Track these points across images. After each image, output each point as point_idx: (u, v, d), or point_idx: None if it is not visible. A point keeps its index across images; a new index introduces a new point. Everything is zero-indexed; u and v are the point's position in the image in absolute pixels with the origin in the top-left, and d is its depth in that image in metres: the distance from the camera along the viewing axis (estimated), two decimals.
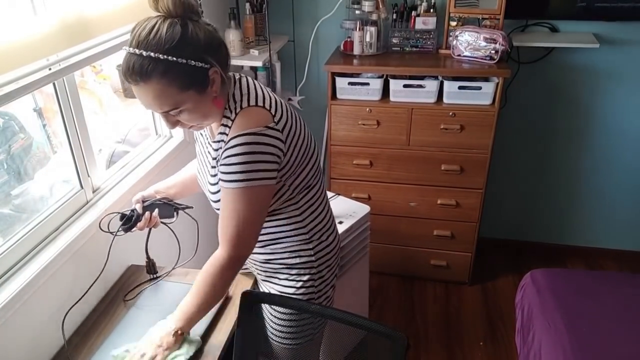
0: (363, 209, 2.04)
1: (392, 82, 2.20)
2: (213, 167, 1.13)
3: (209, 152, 1.17)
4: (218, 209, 1.14)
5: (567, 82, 2.42)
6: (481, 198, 2.33)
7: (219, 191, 1.11)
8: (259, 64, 2.18)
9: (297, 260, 1.24)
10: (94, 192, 1.49)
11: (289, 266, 1.25)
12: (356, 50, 2.30)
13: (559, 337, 1.67)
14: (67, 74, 1.30)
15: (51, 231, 1.32)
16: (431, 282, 2.61)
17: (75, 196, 1.41)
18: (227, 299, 1.41)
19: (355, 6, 2.27)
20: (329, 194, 2.11)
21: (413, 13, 2.27)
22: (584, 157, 2.58)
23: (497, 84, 2.11)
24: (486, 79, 2.16)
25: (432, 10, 2.26)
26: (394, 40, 2.33)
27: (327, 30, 2.47)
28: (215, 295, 1.15)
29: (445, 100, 2.19)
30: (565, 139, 2.56)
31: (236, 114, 1.06)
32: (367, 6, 2.21)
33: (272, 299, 1.25)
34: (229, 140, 1.03)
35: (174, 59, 0.95)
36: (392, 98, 2.23)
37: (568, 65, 2.38)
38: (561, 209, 2.74)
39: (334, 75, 2.23)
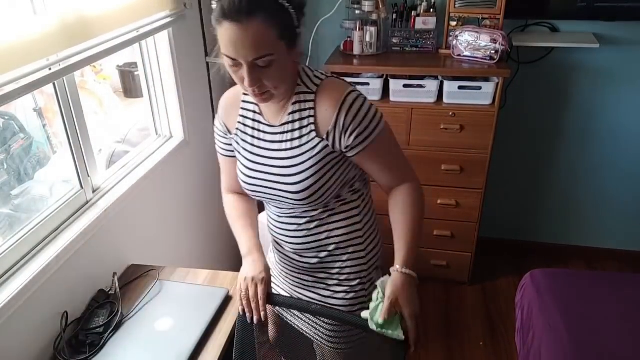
0: None
1: (392, 82, 2.20)
2: (288, 149, 1.09)
3: (270, 142, 1.12)
4: (296, 193, 1.09)
5: (567, 82, 2.42)
6: (481, 198, 2.33)
7: (301, 173, 1.08)
8: None
9: (349, 264, 1.21)
10: (94, 192, 1.49)
11: (339, 270, 1.21)
12: (356, 50, 2.30)
13: (559, 337, 1.67)
14: (68, 74, 1.30)
15: (51, 231, 1.32)
16: (431, 281, 2.61)
17: (75, 196, 1.41)
18: (228, 299, 1.41)
19: (355, 6, 2.27)
20: None
21: (413, 13, 2.27)
22: (585, 156, 2.58)
23: (497, 84, 2.11)
24: (486, 79, 2.16)
25: (432, 10, 2.26)
26: (394, 40, 2.33)
27: (327, 30, 2.47)
28: (422, 222, 1.13)
29: (445, 100, 2.19)
30: (566, 139, 2.56)
31: (316, 86, 1.07)
32: (367, 6, 2.21)
33: (275, 299, 1.21)
34: (340, 107, 1.03)
35: (284, 2, 0.94)
36: (392, 98, 2.23)
37: (568, 65, 2.37)
38: (561, 209, 2.74)
39: (334, 75, 2.23)
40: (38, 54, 1.14)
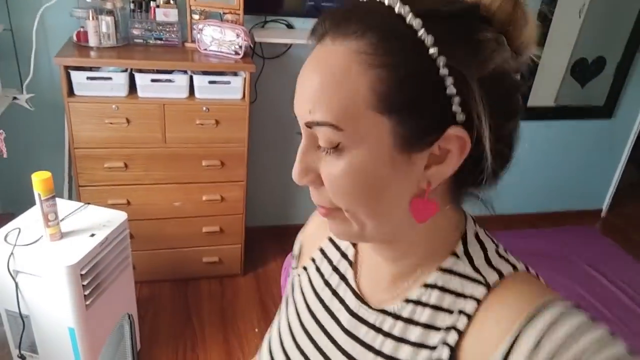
0: (119, 216, 1.86)
1: (138, 76, 2.05)
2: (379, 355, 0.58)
3: (343, 330, 0.62)
4: None
5: None
6: (244, 189, 2.39)
7: None
8: None
9: None
10: None
11: None
12: (92, 42, 2.07)
13: None
14: None
15: None
16: (205, 279, 2.58)
17: None
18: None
19: None
20: (77, 205, 1.87)
21: (152, 4, 2.16)
22: None
23: (245, 78, 2.17)
24: (235, 74, 2.21)
25: (172, 1, 2.19)
26: (135, 32, 2.18)
27: (54, 19, 2.16)
28: None
29: (197, 95, 2.16)
30: None
31: (499, 275, 0.54)
32: None
33: None
34: (525, 325, 0.48)
35: (426, 37, 0.46)
36: (140, 94, 2.09)
37: (305, 59, 2.60)
38: None
39: (68, 69, 1.97)
40: None
